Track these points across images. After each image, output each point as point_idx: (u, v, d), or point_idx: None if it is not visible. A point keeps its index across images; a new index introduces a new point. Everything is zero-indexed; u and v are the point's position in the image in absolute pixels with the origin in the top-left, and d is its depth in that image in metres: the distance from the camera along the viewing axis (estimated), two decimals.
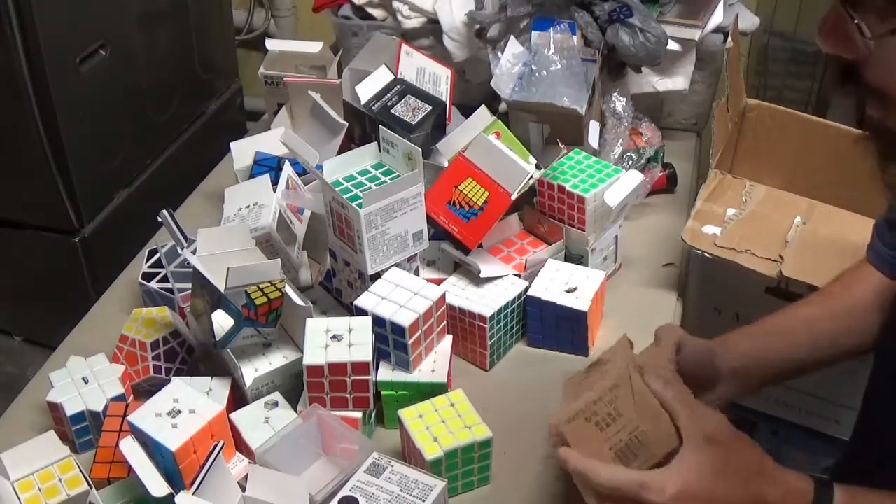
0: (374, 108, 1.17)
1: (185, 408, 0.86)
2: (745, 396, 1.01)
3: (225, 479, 0.84)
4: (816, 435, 1.32)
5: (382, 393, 0.97)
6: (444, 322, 1.01)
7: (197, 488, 0.81)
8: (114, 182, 1.97)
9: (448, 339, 1.01)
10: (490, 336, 1.04)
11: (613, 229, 1.17)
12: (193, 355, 1.03)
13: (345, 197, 0.98)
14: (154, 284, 1.10)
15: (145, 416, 0.85)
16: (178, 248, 1.04)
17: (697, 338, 0.94)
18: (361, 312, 0.96)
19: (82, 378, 0.97)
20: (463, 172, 1.10)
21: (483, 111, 1.19)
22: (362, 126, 1.20)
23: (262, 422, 0.92)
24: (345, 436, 0.90)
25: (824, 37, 0.68)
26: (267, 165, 1.23)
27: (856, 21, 0.65)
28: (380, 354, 0.98)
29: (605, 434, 0.77)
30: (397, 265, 1.02)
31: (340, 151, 1.15)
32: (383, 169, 1.05)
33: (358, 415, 0.93)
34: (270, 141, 1.25)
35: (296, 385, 0.97)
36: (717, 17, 1.40)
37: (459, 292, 1.07)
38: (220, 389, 0.95)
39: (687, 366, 0.87)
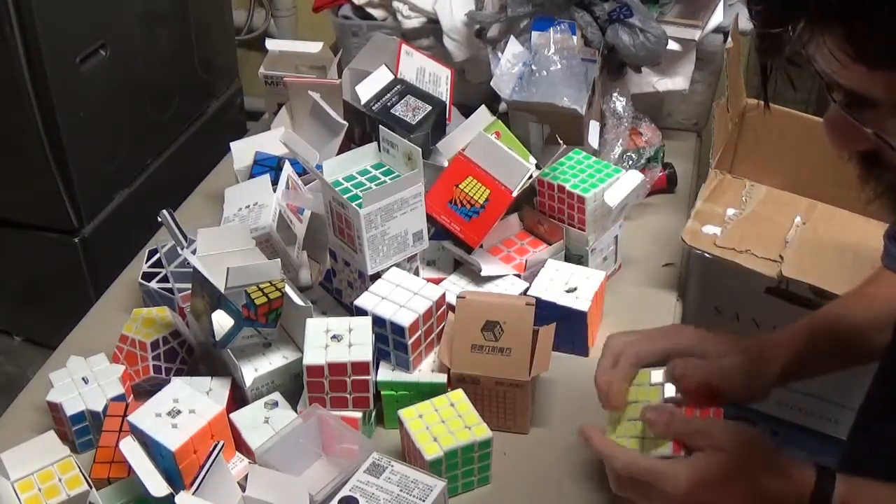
0: (374, 108, 1.17)
1: (185, 408, 0.86)
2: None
3: (225, 479, 0.84)
4: (816, 435, 1.32)
5: (382, 393, 0.97)
6: (444, 322, 1.00)
7: (197, 488, 0.81)
8: (114, 182, 1.97)
9: None
10: None
11: (613, 229, 1.17)
12: (193, 355, 1.03)
13: (345, 197, 0.98)
14: (154, 284, 1.10)
15: (145, 416, 0.85)
16: (178, 248, 1.04)
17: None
18: (361, 312, 0.96)
19: (82, 378, 0.97)
20: (463, 171, 1.10)
21: (483, 111, 1.19)
22: (362, 126, 1.20)
23: (262, 422, 0.92)
24: (345, 436, 0.90)
25: (835, 139, 0.66)
26: (267, 165, 1.23)
27: (866, 129, 0.61)
28: (380, 354, 0.97)
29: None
30: (397, 265, 1.02)
31: (340, 151, 1.15)
32: (383, 169, 1.05)
33: (358, 415, 0.93)
34: (270, 141, 1.25)
35: (296, 385, 0.97)
36: (717, 17, 1.40)
37: (459, 291, 1.07)
38: (220, 389, 0.95)
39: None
